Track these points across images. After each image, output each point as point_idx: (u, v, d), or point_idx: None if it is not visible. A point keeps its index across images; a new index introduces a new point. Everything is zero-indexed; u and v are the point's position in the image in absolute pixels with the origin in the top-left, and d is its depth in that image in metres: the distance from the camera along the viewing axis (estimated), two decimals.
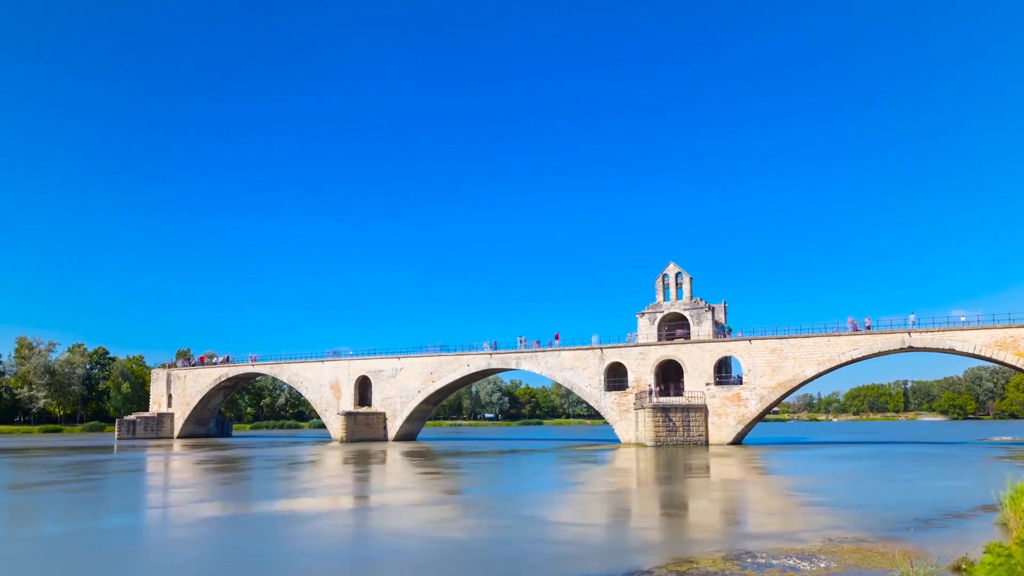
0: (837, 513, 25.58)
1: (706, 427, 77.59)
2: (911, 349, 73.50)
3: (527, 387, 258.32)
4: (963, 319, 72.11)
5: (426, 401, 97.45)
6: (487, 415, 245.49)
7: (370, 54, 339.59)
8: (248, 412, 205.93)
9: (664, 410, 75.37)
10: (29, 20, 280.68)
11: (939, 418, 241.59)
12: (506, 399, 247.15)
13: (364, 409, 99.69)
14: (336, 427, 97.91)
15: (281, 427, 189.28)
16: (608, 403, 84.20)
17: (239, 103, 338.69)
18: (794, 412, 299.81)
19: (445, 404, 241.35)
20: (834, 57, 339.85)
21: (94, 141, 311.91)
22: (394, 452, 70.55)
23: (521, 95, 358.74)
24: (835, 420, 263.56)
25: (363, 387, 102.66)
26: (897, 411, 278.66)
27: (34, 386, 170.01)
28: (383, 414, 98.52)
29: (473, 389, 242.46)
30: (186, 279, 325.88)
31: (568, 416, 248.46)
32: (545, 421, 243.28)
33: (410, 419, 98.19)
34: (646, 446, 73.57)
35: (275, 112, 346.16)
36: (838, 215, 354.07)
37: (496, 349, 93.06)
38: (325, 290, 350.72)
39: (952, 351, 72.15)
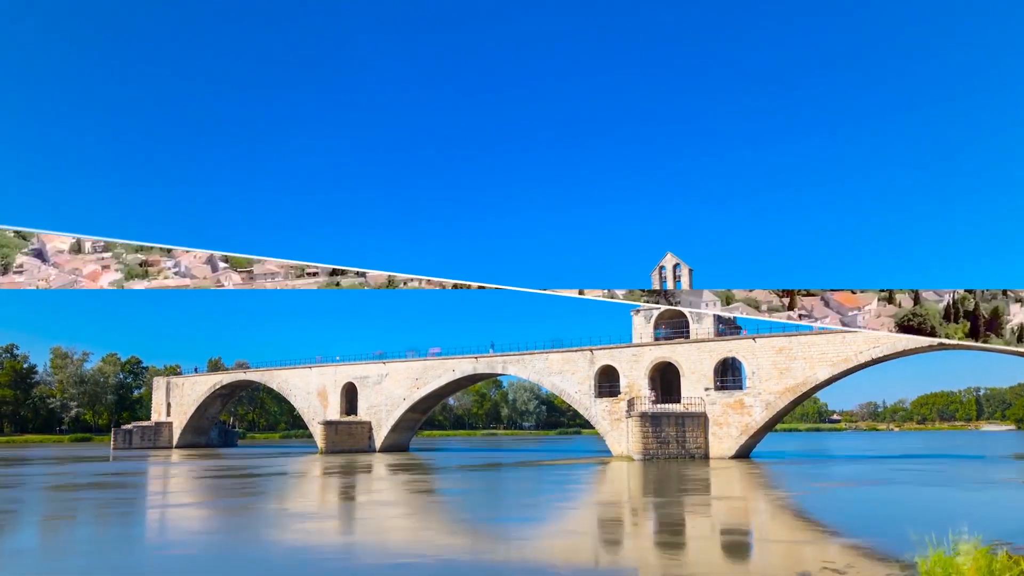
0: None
1: (705, 438, 68.31)
2: (943, 347, 62.70)
3: None
4: None
5: (412, 409, 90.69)
6: (525, 424, 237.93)
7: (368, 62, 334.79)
8: (282, 421, 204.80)
9: (654, 419, 66.55)
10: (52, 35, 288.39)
11: (1009, 427, 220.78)
12: (544, 408, 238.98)
13: (348, 418, 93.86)
14: (319, 437, 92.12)
15: (310, 436, 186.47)
16: (599, 411, 75.74)
17: (247, 114, 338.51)
18: (853, 421, 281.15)
19: (481, 413, 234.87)
20: (858, 54, 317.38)
21: (121, 155, 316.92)
22: (353, 466, 64.44)
23: (511, 97, 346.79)
24: (897, 430, 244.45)
25: (350, 395, 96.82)
26: (968, 419, 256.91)
27: (67, 395, 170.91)
28: (368, 423, 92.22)
29: (510, 397, 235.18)
30: (218, 291, 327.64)
31: None
32: (584, 430, 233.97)
33: (397, 428, 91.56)
34: (633, 460, 65.12)
35: (274, 124, 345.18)
36: (860, 213, 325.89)
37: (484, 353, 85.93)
38: (343, 301, 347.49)
39: (994, 348, 61.14)
